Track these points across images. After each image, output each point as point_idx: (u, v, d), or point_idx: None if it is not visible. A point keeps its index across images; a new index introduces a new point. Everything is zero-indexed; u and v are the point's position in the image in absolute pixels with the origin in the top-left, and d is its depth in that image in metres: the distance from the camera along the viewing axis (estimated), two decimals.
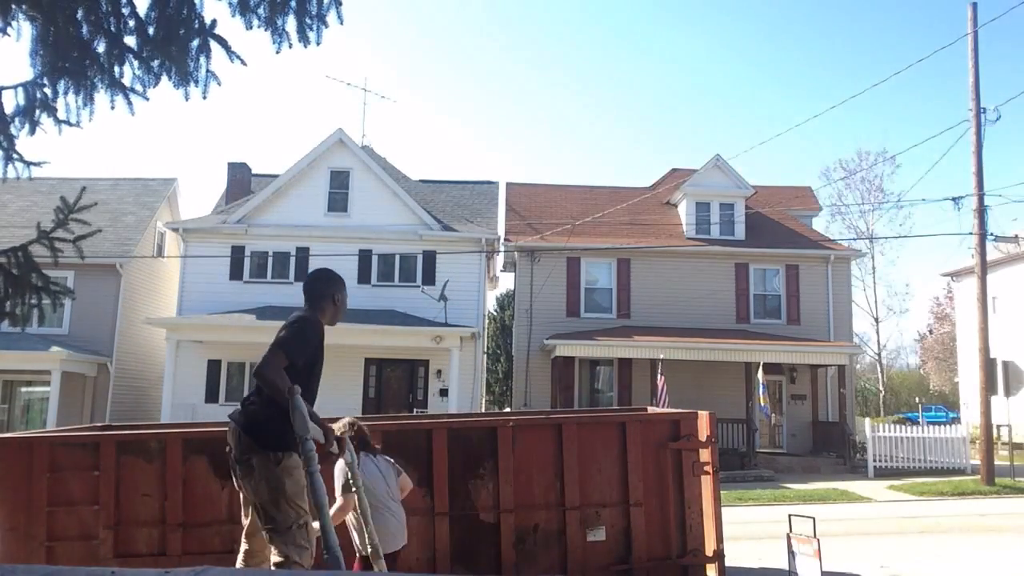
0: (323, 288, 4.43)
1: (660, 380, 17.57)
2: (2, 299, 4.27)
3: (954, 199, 18.05)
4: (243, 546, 4.48)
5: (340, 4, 4.55)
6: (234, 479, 4.32)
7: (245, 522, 4.44)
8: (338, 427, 5.15)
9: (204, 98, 4.46)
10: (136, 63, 4.27)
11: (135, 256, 22.78)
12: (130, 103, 4.34)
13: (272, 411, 4.09)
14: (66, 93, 4.26)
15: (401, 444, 6.96)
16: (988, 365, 17.57)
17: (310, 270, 21.98)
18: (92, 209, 4.90)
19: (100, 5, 4.10)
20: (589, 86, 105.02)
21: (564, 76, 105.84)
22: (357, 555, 5.25)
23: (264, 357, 4.02)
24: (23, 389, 22.63)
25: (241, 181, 24.87)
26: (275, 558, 4.12)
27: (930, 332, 47.31)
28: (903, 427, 21.22)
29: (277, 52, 4.44)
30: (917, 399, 40.75)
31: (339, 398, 20.07)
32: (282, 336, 4.16)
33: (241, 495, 4.39)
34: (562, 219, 23.11)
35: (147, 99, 4.38)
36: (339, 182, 22.77)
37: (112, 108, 4.32)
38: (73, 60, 4.14)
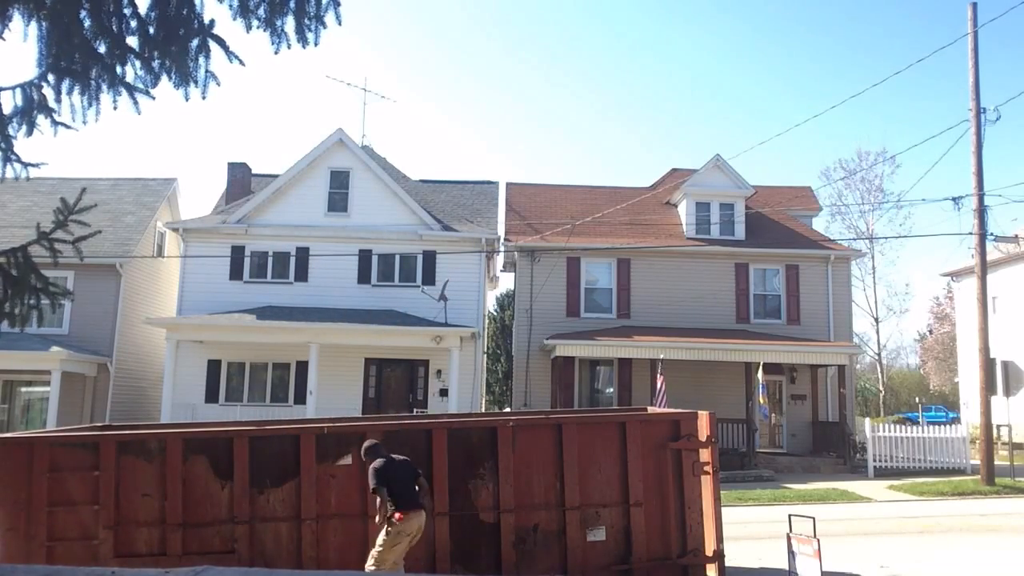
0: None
1: (659, 380, 17.55)
2: (1, 300, 4.26)
3: (954, 199, 18.04)
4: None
5: (338, 5, 4.56)
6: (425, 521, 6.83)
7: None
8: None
9: (203, 98, 4.47)
10: (138, 63, 4.27)
11: (135, 256, 22.77)
12: (136, 102, 4.33)
13: None
14: (70, 93, 4.25)
15: (401, 444, 6.97)
16: (988, 365, 17.55)
17: (310, 270, 21.89)
18: (92, 209, 4.89)
19: (103, 5, 4.09)
20: (590, 86, 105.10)
21: (565, 76, 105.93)
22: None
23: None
24: (23, 389, 22.62)
25: (241, 181, 24.85)
26: None
27: (930, 332, 47.25)
28: (903, 427, 21.19)
29: (276, 53, 4.44)
30: (917, 399, 40.70)
31: (339, 398, 20.05)
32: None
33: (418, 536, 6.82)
34: (562, 219, 23.10)
35: (153, 98, 4.38)
36: (339, 182, 22.76)
37: (115, 108, 4.32)
38: (76, 60, 4.14)
